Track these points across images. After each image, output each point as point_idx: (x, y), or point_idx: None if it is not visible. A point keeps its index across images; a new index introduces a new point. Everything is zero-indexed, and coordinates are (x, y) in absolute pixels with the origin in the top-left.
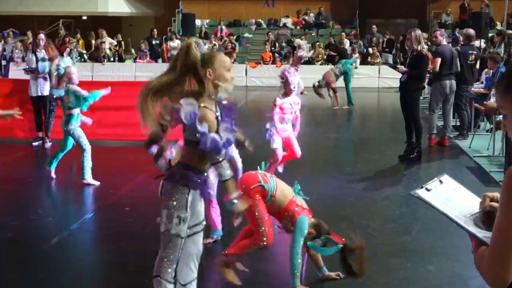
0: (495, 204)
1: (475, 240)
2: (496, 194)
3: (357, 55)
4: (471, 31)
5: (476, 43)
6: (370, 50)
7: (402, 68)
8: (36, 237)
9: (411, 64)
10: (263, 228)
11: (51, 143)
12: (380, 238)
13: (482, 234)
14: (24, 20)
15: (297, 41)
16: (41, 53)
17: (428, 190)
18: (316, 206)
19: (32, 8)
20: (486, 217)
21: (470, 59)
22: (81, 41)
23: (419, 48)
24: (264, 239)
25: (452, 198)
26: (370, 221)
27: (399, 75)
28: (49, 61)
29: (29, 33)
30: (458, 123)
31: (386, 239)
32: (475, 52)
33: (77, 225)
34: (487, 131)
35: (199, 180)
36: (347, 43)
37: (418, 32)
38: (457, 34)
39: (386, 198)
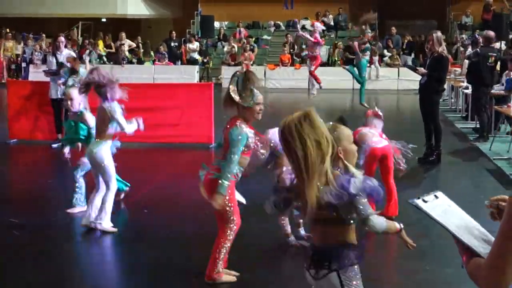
0: (503, 204)
1: (466, 253)
2: (501, 196)
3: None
4: (491, 33)
5: (497, 45)
6: (385, 51)
7: (422, 70)
8: (55, 238)
9: (430, 66)
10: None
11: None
12: (398, 241)
13: (477, 244)
14: (44, 22)
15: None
16: (61, 56)
17: (425, 201)
18: None
19: (52, 10)
20: (497, 210)
21: (489, 61)
22: (100, 43)
23: (439, 50)
24: (231, 225)
25: (447, 212)
26: None
27: (419, 77)
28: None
29: (44, 36)
30: (478, 125)
31: (402, 245)
32: (494, 54)
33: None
34: (507, 133)
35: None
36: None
37: (439, 34)
38: (477, 36)
39: (405, 200)
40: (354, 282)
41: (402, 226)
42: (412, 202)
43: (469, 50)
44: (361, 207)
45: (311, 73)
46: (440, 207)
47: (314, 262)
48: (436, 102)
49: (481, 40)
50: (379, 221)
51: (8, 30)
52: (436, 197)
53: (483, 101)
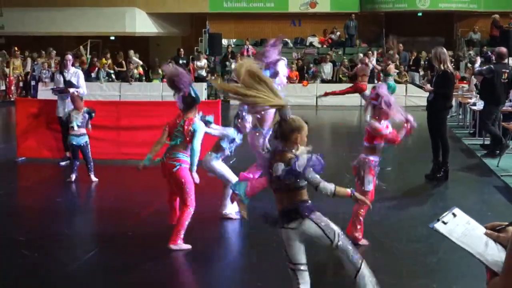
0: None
1: (489, 272)
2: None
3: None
4: (503, 49)
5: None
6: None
7: (428, 87)
8: (62, 257)
9: (437, 83)
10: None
11: (79, 163)
12: (405, 259)
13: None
14: (53, 40)
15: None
16: (69, 74)
17: (444, 223)
18: (341, 225)
19: (62, 28)
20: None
21: (503, 77)
22: (109, 61)
23: (441, 67)
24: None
25: (467, 233)
26: (395, 241)
27: (426, 94)
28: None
29: (53, 53)
30: (485, 142)
31: (411, 260)
32: (507, 71)
33: (103, 245)
34: None
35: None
36: (373, 62)
37: (440, 49)
38: (489, 53)
39: (412, 217)
40: (324, 219)
41: (353, 191)
42: (432, 227)
43: (476, 66)
44: (310, 178)
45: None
46: (460, 227)
47: (286, 219)
48: (444, 119)
49: (493, 57)
50: (327, 186)
51: (16, 48)
52: (454, 215)
53: (494, 117)
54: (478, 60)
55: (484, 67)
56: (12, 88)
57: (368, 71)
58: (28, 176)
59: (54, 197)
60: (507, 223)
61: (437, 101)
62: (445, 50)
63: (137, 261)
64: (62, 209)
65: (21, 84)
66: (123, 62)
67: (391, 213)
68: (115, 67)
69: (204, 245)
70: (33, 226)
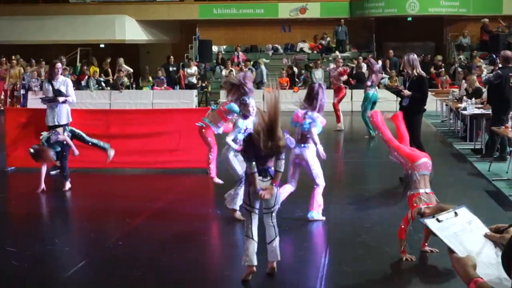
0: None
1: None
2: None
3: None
4: (508, 53)
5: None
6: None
7: (407, 92)
8: (53, 267)
9: (412, 87)
10: None
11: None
12: (397, 264)
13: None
14: (42, 48)
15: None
16: (58, 83)
17: (438, 221)
18: (333, 231)
19: (50, 36)
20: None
21: (511, 81)
22: (97, 69)
23: (415, 72)
24: None
25: (462, 233)
26: (387, 247)
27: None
28: None
29: (43, 62)
30: (476, 146)
31: (403, 265)
32: None
33: (94, 255)
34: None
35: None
36: (364, 67)
37: (412, 56)
38: (494, 56)
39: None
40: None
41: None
42: (422, 221)
43: (483, 75)
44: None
45: (334, 106)
46: (456, 226)
47: (263, 173)
48: (419, 122)
49: (498, 61)
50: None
51: (13, 57)
52: (456, 214)
53: (504, 122)
54: (485, 71)
55: (491, 74)
56: (1, 97)
57: (339, 80)
58: (18, 186)
59: (44, 207)
60: (508, 224)
61: (413, 105)
62: (416, 56)
63: (128, 271)
64: (52, 218)
65: (15, 93)
66: (109, 70)
67: (383, 219)
68: (102, 75)
69: (201, 253)
70: (23, 236)
